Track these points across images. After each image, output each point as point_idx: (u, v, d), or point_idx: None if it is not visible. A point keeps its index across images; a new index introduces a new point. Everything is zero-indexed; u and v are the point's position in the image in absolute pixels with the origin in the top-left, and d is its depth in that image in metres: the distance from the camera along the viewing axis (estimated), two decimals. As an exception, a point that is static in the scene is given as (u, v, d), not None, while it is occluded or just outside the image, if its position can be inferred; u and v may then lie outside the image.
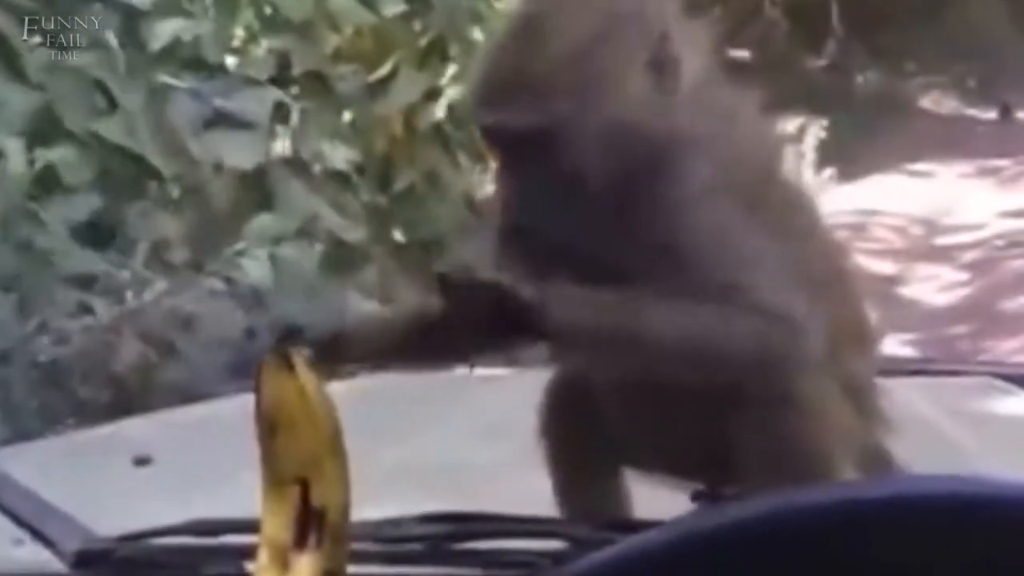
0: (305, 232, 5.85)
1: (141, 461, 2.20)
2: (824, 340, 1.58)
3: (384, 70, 7.26)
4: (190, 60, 5.90)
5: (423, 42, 7.43)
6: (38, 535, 1.69)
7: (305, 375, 1.51)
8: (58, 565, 1.67)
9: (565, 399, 1.73)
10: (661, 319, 1.52)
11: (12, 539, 1.71)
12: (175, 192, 5.67)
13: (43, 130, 5.39)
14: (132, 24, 5.83)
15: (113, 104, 5.52)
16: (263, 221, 5.86)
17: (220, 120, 5.90)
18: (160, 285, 4.61)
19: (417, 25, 7.47)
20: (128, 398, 3.39)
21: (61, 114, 5.39)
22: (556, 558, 1.54)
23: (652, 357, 1.54)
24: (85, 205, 5.25)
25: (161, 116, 5.62)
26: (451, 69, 7.56)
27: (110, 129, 5.47)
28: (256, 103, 6.04)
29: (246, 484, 1.60)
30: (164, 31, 5.86)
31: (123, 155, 5.48)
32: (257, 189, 6.01)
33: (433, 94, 7.40)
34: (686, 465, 1.68)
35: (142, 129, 5.50)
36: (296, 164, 6.17)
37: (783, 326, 1.54)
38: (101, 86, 5.51)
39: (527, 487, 1.81)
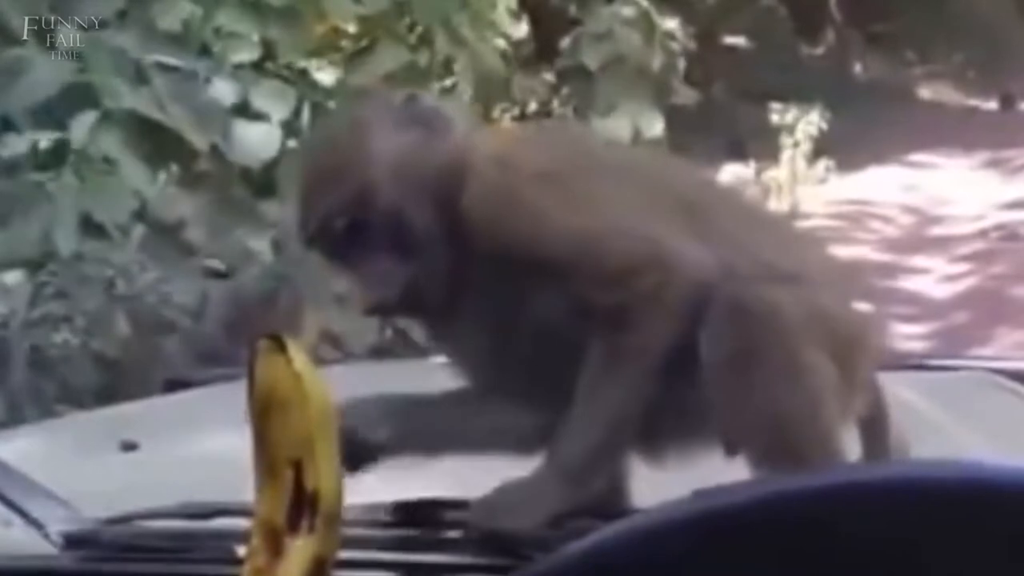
0: None
1: (128, 447, 2.19)
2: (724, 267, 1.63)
3: (363, 43, 7.24)
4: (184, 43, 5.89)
5: (409, 34, 7.43)
6: (27, 517, 1.68)
7: (299, 358, 1.50)
8: (47, 547, 1.67)
9: None
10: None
11: (1, 520, 1.70)
12: (197, 171, 5.66)
13: (71, 102, 5.39)
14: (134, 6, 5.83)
15: (144, 80, 5.52)
16: (269, 208, 5.87)
17: (237, 110, 5.91)
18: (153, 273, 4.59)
19: (405, 18, 7.46)
20: (119, 384, 3.38)
21: (99, 85, 5.39)
22: (545, 545, 1.53)
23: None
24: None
25: (191, 95, 5.62)
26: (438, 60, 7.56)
27: (142, 102, 5.48)
28: (274, 97, 6.05)
29: (233, 471, 1.59)
30: (174, 12, 5.87)
31: (153, 129, 5.48)
32: (266, 178, 6.01)
33: (423, 83, 7.40)
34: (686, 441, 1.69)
35: (172, 106, 5.50)
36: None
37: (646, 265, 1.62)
38: (135, 62, 5.51)
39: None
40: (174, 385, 2.67)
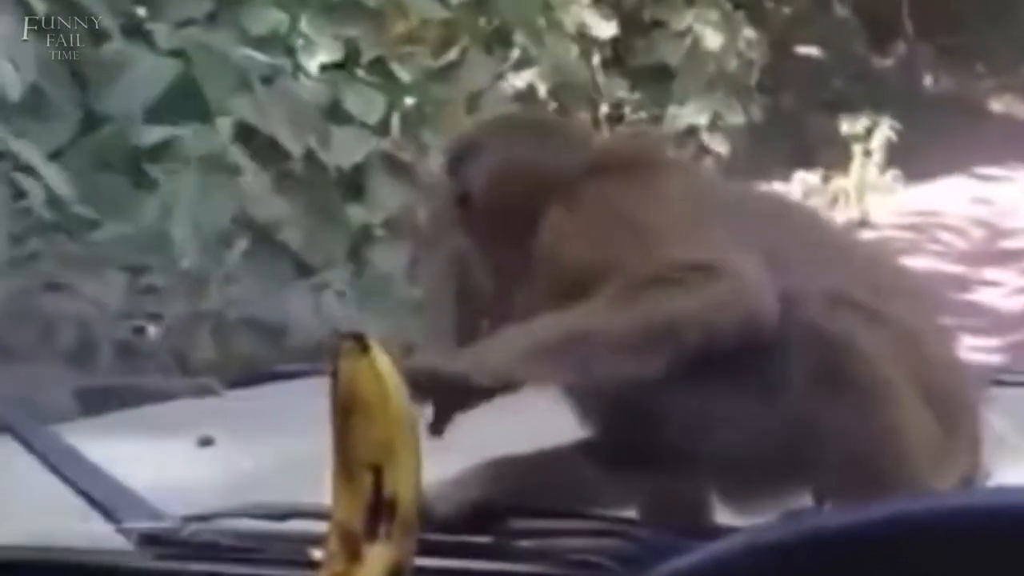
0: (391, 224, 5.85)
1: (205, 442, 2.19)
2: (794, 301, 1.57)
3: (451, 55, 7.26)
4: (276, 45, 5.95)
5: (487, 30, 7.44)
6: (104, 512, 1.69)
7: (382, 361, 1.49)
8: (123, 542, 1.67)
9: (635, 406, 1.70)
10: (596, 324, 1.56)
11: (79, 514, 1.70)
12: (294, 173, 5.71)
13: (172, 102, 5.45)
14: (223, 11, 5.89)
15: (245, 85, 5.57)
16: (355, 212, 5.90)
17: (327, 113, 5.95)
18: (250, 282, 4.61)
19: (482, 17, 7.47)
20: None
21: (201, 85, 5.44)
22: (626, 561, 1.51)
23: (604, 362, 1.56)
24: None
25: (288, 100, 5.67)
26: (515, 56, 7.57)
27: (244, 106, 5.52)
28: (364, 100, 6.08)
29: (309, 469, 1.59)
30: (263, 19, 5.93)
31: (251, 132, 5.54)
32: (352, 182, 6.05)
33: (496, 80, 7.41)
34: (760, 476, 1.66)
35: (271, 110, 5.55)
36: (390, 159, 6.18)
37: (716, 279, 1.55)
38: (236, 65, 5.56)
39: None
40: (251, 379, 2.67)
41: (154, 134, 5.28)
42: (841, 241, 1.78)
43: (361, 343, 1.50)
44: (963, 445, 1.63)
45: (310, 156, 5.75)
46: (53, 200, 5.00)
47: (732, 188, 1.90)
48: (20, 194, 4.98)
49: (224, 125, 5.49)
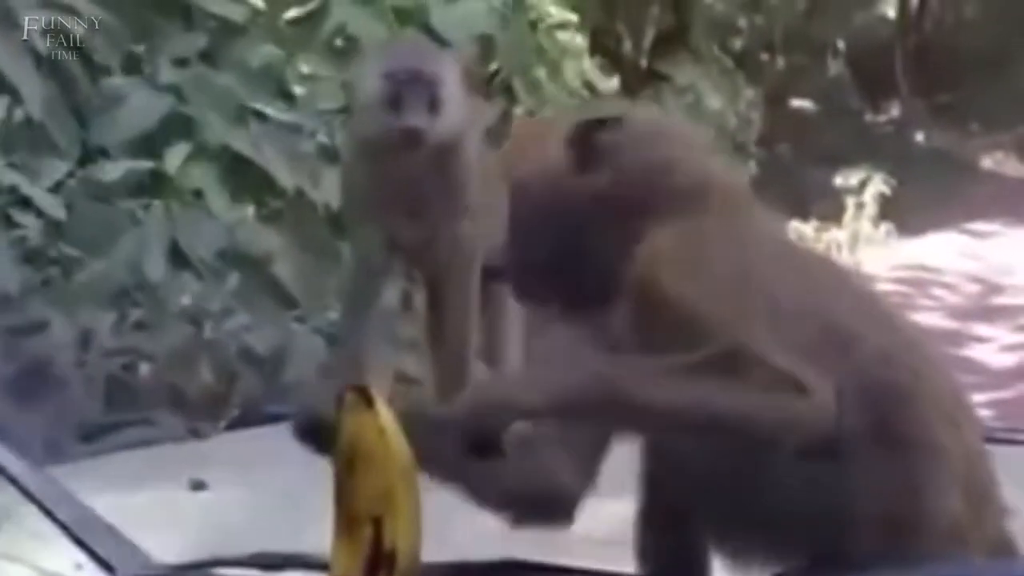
0: None
1: (197, 486, 2.17)
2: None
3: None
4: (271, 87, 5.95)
5: (490, 80, 7.45)
6: (98, 560, 1.67)
7: (385, 414, 1.48)
8: (118, 591, 1.65)
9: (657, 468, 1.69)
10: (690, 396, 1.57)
11: (73, 563, 1.69)
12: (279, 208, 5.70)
13: (168, 135, 5.45)
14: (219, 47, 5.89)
15: (240, 119, 5.58)
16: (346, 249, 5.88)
17: (320, 151, 5.95)
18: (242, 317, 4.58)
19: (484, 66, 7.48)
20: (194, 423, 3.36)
21: (199, 120, 5.45)
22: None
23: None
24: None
25: (282, 137, 5.67)
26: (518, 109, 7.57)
27: (237, 139, 5.52)
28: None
29: (301, 513, 1.57)
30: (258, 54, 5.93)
31: (242, 166, 5.53)
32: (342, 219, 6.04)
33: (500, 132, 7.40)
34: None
35: (268, 146, 5.55)
36: None
37: (796, 393, 1.56)
38: (232, 100, 5.56)
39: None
40: (244, 422, 2.66)
41: (144, 167, 5.30)
42: (886, 307, 1.77)
43: (364, 396, 1.50)
44: (988, 517, 1.63)
45: (300, 194, 5.74)
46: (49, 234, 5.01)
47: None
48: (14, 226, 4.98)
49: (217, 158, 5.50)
